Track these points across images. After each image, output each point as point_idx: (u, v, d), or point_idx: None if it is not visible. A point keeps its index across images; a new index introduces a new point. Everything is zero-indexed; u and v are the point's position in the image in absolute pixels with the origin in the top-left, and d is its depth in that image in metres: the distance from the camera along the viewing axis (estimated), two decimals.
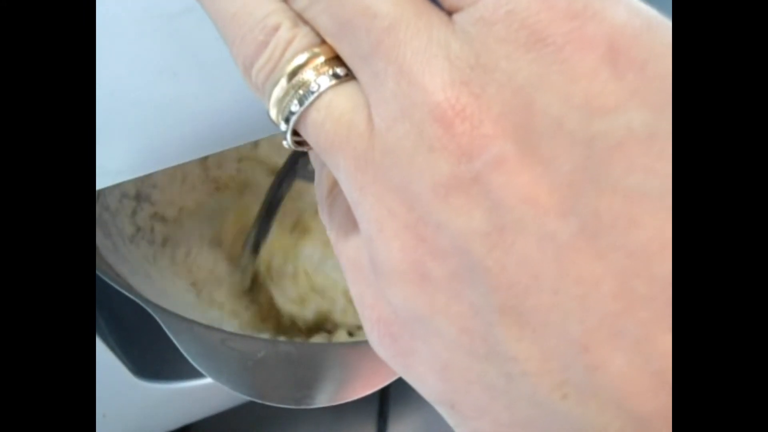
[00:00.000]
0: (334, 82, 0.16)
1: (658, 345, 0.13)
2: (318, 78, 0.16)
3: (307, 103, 0.16)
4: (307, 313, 0.44)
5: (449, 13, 0.15)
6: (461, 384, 0.15)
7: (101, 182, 0.27)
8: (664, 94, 0.13)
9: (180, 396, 0.46)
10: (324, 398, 0.37)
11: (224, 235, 0.46)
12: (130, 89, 0.24)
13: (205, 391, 0.46)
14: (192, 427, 0.51)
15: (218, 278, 0.45)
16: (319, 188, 0.20)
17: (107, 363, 0.41)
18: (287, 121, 0.17)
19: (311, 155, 0.20)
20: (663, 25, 0.14)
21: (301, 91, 0.16)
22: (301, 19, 0.16)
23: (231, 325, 0.44)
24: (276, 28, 0.16)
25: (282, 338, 0.44)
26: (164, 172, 0.43)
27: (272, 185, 0.41)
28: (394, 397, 0.57)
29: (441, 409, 0.16)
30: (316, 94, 0.16)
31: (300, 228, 0.46)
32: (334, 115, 0.16)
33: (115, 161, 0.26)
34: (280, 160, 0.48)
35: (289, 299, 0.44)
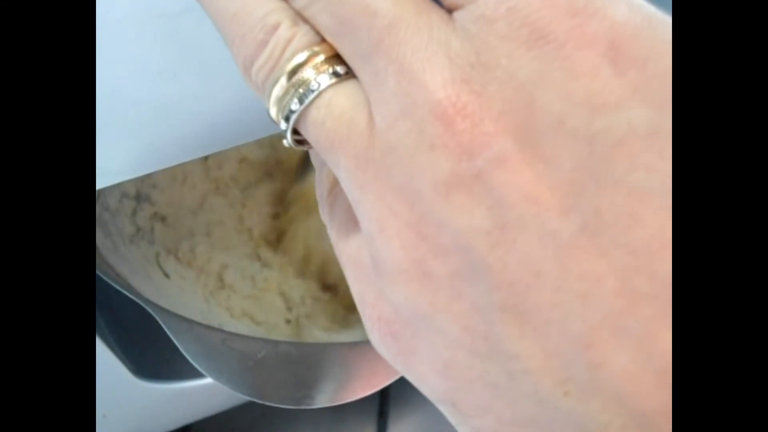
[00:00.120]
0: (334, 80, 0.16)
1: (661, 342, 0.13)
2: (318, 76, 0.16)
3: (307, 101, 0.16)
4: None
5: (449, 11, 0.15)
6: (463, 382, 0.15)
7: (101, 182, 0.27)
8: (666, 91, 0.13)
9: (180, 396, 0.46)
10: (324, 398, 0.36)
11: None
12: (130, 89, 0.24)
13: (205, 391, 0.46)
14: (192, 427, 0.51)
15: (220, 278, 0.45)
16: (319, 187, 0.20)
17: (107, 363, 0.41)
18: (287, 119, 0.17)
19: (311, 154, 0.20)
20: (664, 22, 0.14)
21: (301, 90, 0.16)
22: (300, 17, 0.16)
23: (235, 325, 0.44)
24: (276, 27, 0.16)
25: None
26: (164, 172, 0.43)
27: None
28: (394, 397, 0.57)
29: (443, 408, 0.16)
30: (316, 93, 0.16)
31: None
32: (334, 113, 0.16)
33: (115, 161, 0.26)
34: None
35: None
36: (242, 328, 0.44)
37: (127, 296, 0.32)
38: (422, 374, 0.16)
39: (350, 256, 0.18)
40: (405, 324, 0.16)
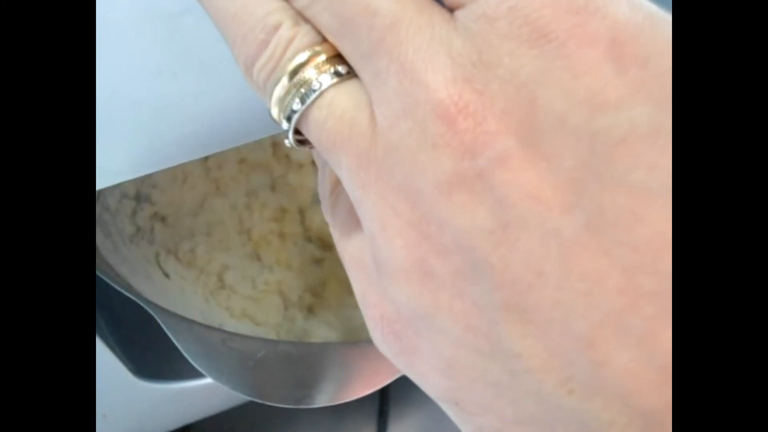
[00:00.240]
0: (335, 80, 0.16)
1: (663, 340, 0.13)
2: (319, 76, 0.16)
3: (308, 101, 0.16)
4: None
5: (451, 10, 0.15)
6: (465, 381, 0.15)
7: (101, 182, 0.27)
8: (667, 90, 0.13)
9: (180, 396, 0.46)
10: (324, 398, 0.36)
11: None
12: (131, 89, 0.24)
13: (205, 391, 0.46)
14: (192, 427, 0.51)
15: (220, 278, 0.45)
16: (321, 186, 0.20)
17: (107, 363, 0.41)
18: (289, 119, 0.17)
19: (314, 153, 0.20)
20: (665, 21, 0.14)
21: (302, 90, 0.16)
22: (302, 17, 0.16)
23: (236, 325, 0.44)
24: (277, 27, 0.16)
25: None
26: (164, 172, 0.43)
27: None
28: (394, 397, 0.57)
29: (445, 407, 0.16)
30: (317, 93, 0.16)
31: None
32: (336, 113, 0.16)
33: (115, 161, 0.26)
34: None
35: None
36: (242, 328, 0.44)
37: (127, 296, 0.32)
38: (424, 373, 0.16)
39: (352, 255, 0.18)
40: (407, 323, 0.16)
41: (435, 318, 0.15)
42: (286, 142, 0.18)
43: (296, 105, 0.16)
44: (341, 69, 0.16)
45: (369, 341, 0.18)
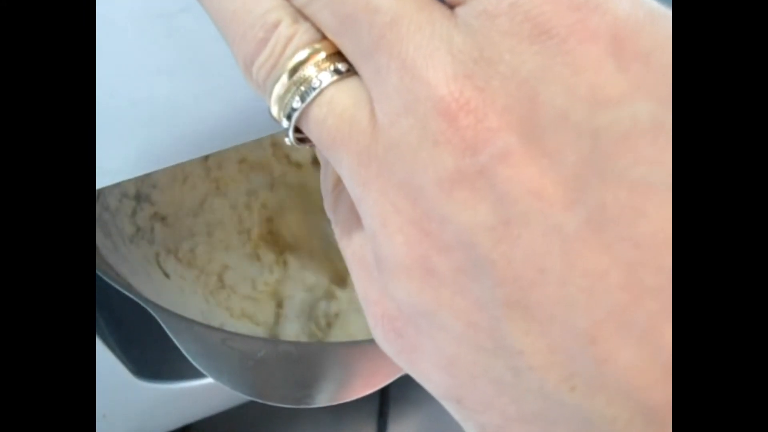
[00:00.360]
0: (335, 78, 0.16)
1: (666, 336, 0.13)
2: (319, 74, 0.16)
3: (308, 99, 0.16)
4: None
5: (451, 7, 0.15)
6: (467, 379, 0.15)
7: (101, 182, 0.27)
8: (668, 85, 0.13)
9: (180, 396, 0.46)
10: (324, 398, 0.36)
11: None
12: (130, 89, 0.24)
13: (205, 391, 0.46)
14: (192, 427, 0.51)
15: (221, 278, 0.45)
16: (323, 184, 0.20)
17: (107, 363, 0.41)
18: (289, 118, 0.16)
19: (316, 151, 0.20)
20: (666, 16, 0.14)
21: (302, 88, 0.16)
22: (301, 15, 0.16)
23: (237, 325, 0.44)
24: (276, 25, 0.16)
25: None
26: (164, 172, 0.43)
27: None
28: (394, 397, 0.57)
29: (447, 405, 0.16)
30: (317, 91, 0.16)
31: None
32: (336, 111, 0.16)
33: (115, 161, 0.26)
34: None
35: None
36: (242, 328, 0.44)
37: (127, 296, 0.32)
38: (426, 371, 0.16)
39: (354, 252, 0.18)
40: (408, 321, 0.16)
41: (436, 315, 0.15)
42: (287, 140, 0.18)
43: (296, 103, 0.16)
44: (341, 66, 0.16)
45: (369, 341, 0.18)
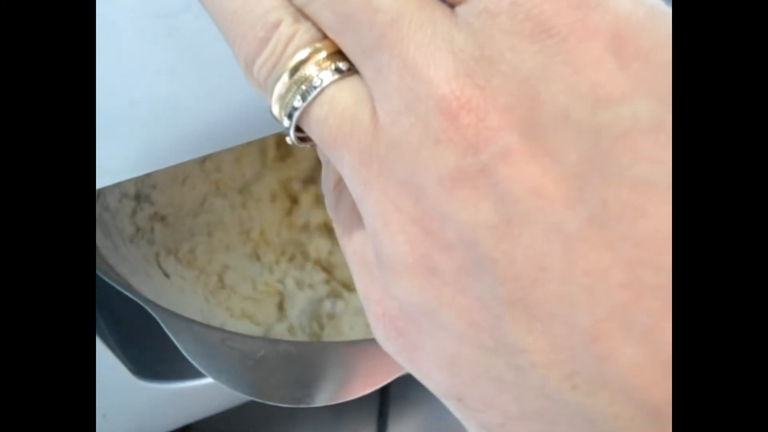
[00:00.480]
0: (336, 76, 0.16)
1: (668, 334, 0.13)
2: (320, 73, 0.16)
3: (309, 98, 0.16)
4: None
5: (452, 5, 0.15)
6: (469, 377, 0.15)
7: (101, 182, 0.27)
8: (669, 83, 0.13)
9: (180, 396, 0.46)
10: (324, 397, 0.36)
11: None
12: (130, 89, 0.24)
13: (205, 391, 0.46)
14: (192, 427, 0.51)
15: (221, 279, 0.45)
16: (324, 183, 0.20)
17: (107, 363, 0.41)
18: (290, 117, 0.16)
19: (317, 150, 0.20)
20: (667, 14, 0.14)
21: (303, 87, 0.16)
22: (302, 14, 0.16)
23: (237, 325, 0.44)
24: (277, 24, 0.16)
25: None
26: (164, 172, 0.43)
27: None
28: (394, 397, 0.57)
29: (448, 403, 0.16)
30: (318, 89, 0.16)
31: None
32: (337, 109, 0.16)
33: (115, 161, 0.26)
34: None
35: None
36: (242, 328, 0.44)
37: (127, 296, 0.32)
38: (427, 370, 0.16)
39: (355, 251, 0.18)
40: (410, 319, 0.16)
41: (438, 314, 0.15)
42: (288, 139, 0.18)
43: (297, 102, 0.16)
44: (342, 65, 0.16)
45: (369, 340, 0.18)
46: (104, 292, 0.36)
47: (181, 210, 0.45)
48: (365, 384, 0.37)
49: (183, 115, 0.26)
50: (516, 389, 0.15)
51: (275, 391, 0.37)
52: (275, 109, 0.17)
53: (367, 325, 0.43)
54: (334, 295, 0.46)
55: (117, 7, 0.22)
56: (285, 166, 0.48)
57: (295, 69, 0.16)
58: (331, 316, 0.45)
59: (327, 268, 0.47)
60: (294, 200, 0.48)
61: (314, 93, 0.16)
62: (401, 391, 0.56)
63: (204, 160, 0.46)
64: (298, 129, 0.17)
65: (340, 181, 0.19)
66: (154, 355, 0.44)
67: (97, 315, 0.43)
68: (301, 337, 0.44)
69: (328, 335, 0.44)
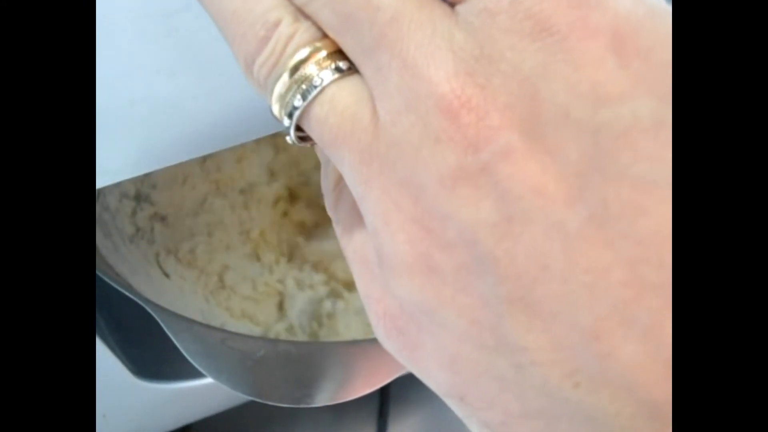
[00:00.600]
0: (336, 76, 0.16)
1: (669, 332, 0.13)
2: (320, 72, 0.16)
3: (310, 97, 0.16)
4: None
5: (452, 5, 0.15)
6: (470, 376, 0.15)
7: (101, 181, 0.27)
8: (669, 82, 0.13)
9: (180, 396, 0.46)
10: (324, 397, 0.36)
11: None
12: (130, 88, 0.24)
13: (205, 391, 0.46)
14: (192, 427, 0.51)
15: (221, 279, 0.45)
16: (324, 182, 0.20)
17: (107, 363, 0.41)
18: (290, 116, 0.16)
19: (317, 150, 0.20)
20: (667, 13, 0.14)
21: (303, 86, 0.16)
22: (302, 13, 0.16)
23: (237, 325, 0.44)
24: (277, 24, 0.16)
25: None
26: (164, 172, 0.43)
27: None
28: (394, 396, 0.57)
29: (449, 402, 0.16)
30: (318, 89, 0.16)
31: None
32: (337, 109, 0.16)
33: (115, 161, 0.26)
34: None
35: None
36: (242, 328, 0.44)
37: (127, 296, 0.32)
38: (428, 368, 0.16)
39: (355, 250, 0.18)
40: (410, 318, 0.16)
41: (439, 313, 0.15)
42: (288, 139, 0.18)
43: (297, 101, 0.16)
44: (342, 65, 0.16)
45: (369, 340, 0.18)
46: (104, 292, 0.36)
47: (181, 210, 0.45)
48: (365, 384, 0.37)
49: (183, 115, 0.26)
50: (517, 388, 0.15)
51: (275, 391, 0.37)
52: (275, 109, 0.17)
53: (367, 325, 0.43)
54: (334, 296, 0.46)
55: (117, 7, 0.22)
56: (286, 167, 0.48)
57: (295, 68, 0.16)
58: (331, 316, 0.45)
59: (327, 269, 0.47)
60: (294, 200, 0.48)
61: (314, 92, 0.16)
62: (401, 391, 0.56)
63: (204, 159, 0.46)
64: (298, 128, 0.17)
65: (340, 181, 0.19)
66: (154, 355, 0.44)
67: (97, 315, 0.43)
68: (301, 337, 0.44)
69: (328, 335, 0.44)
